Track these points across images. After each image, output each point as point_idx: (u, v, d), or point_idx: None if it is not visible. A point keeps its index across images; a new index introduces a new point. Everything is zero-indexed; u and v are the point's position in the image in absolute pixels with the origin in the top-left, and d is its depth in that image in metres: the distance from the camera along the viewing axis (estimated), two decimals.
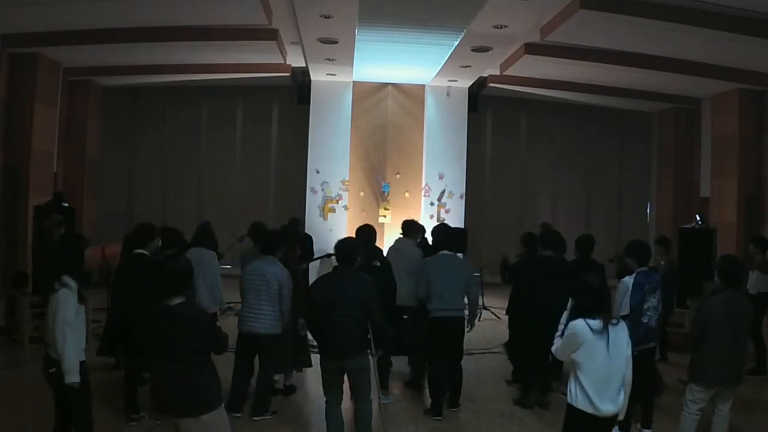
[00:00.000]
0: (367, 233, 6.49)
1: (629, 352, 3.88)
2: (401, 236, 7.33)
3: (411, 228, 7.36)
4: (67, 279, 4.23)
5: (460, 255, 6.63)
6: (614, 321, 3.87)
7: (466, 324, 6.19)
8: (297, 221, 9.43)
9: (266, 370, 5.84)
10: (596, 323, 3.78)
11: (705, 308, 4.77)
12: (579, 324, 3.81)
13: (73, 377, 4.13)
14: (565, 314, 4.07)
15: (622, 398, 3.83)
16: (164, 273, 3.72)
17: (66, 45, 10.45)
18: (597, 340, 3.75)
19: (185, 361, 3.57)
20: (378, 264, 6.21)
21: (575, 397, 3.82)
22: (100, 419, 5.63)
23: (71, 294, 4.19)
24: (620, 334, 3.85)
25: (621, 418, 3.94)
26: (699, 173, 13.57)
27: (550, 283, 6.15)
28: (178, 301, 3.65)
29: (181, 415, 3.60)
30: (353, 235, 6.42)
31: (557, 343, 4.00)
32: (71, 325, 4.14)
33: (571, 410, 3.86)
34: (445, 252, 6.22)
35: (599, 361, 3.75)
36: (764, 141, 11.47)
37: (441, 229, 6.58)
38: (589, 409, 3.77)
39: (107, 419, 5.63)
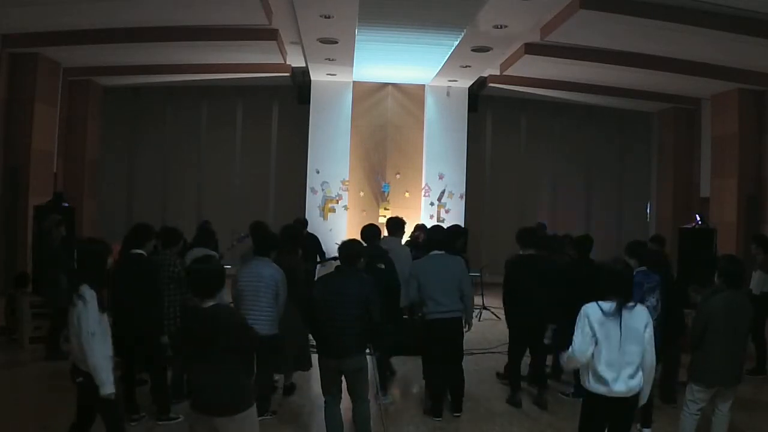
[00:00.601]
0: (371, 233, 6.49)
1: (648, 335, 3.84)
2: (386, 235, 7.27)
3: (397, 226, 7.25)
4: (84, 289, 4.11)
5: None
6: (630, 304, 3.85)
7: (463, 324, 6.08)
8: (301, 222, 9.46)
9: (265, 370, 5.83)
10: (608, 305, 3.80)
11: (705, 308, 4.76)
12: (590, 306, 3.84)
13: (108, 389, 4.07)
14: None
15: (638, 381, 3.81)
16: (196, 274, 3.70)
17: (66, 45, 10.44)
18: (609, 323, 3.77)
19: (222, 362, 3.60)
20: (382, 266, 6.19)
21: (588, 379, 3.86)
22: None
23: (91, 304, 4.08)
24: (637, 316, 3.84)
25: (643, 402, 3.93)
26: (699, 173, 13.57)
27: (533, 282, 6.17)
28: (211, 303, 3.65)
29: (219, 414, 3.63)
30: (353, 235, 6.43)
31: (572, 345, 3.87)
32: (96, 335, 4.05)
33: (587, 395, 3.90)
34: (436, 252, 6.07)
35: (612, 344, 3.77)
36: (764, 141, 11.47)
37: (434, 230, 6.53)
38: (600, 390, 3.78)
39: None
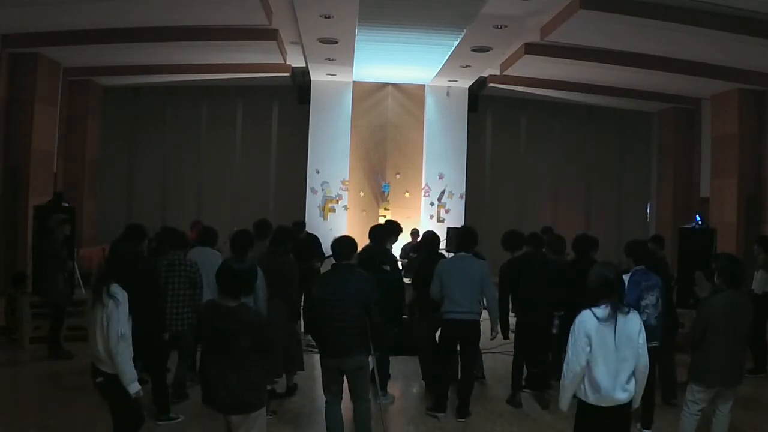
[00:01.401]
0: (378, 233, 6.51)
1: (642, 340, 3.81)
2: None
3: (391, 230, 7.17)
4: (116, 290, 4.10)
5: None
6: (625, 309, 3.82)
7: (490, 330, 6.09)
8: (298, 224, 9.50)
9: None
10: (602, 311, 3.77)
11: (705, 308, 4.76)
12: (584, 314, 3.80)
13: (134, 387, 4.08)
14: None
15: (633, 386, 3.79)
16: (227, 274, 3.73)
17: (66, 45, 10.45)
18: (604, 329, 3.73)
19: (242, 361, 3.65)
20: (388, 268, 6.25)
21: (584, 392, 3.81)
22: (100, 419, 5.63)
23: (123, 305, 4.07)
24: (631, 322, 3.80)
25: (635, 406, 3.90)
26: (699, 173, 13.57)
27: (532, 281, 6.21)
28: (235, 303, 3.70)
29: (235, 411, 3.68)
30: (353, 235, 6.40)
31: (567, 358, 3.85)
32: (125, 336, 4.05)
33: (581, 405, 3.85)
34: (463, 254, 6.15)
35: (608, 351, 3.72)
36: (764, 141, 11.47)
37: (460, 231, 6.62)
38: (600, 400, 3.74)
39: (107, 419, 5.62)
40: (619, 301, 3.84)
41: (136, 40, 10.37)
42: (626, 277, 5.43)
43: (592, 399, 3.78)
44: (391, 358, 6.70)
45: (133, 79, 13.47)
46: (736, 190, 11.49)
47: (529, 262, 6.46)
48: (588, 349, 3.74)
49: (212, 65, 12.49)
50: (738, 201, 11.45)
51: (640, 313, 5.25)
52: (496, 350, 8.27)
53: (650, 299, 5.45)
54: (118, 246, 4.44)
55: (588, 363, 3.76)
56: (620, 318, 3.77)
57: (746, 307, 4.80)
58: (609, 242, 13.96)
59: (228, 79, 13.42)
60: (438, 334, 6.33)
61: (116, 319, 4.00)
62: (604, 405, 3.77)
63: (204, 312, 3.86)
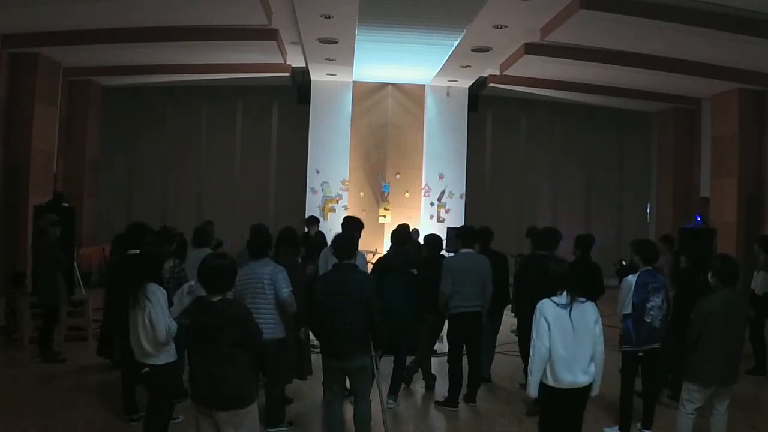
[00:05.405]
0: (401, 237, 6.56)
1: (599, 331, 4.17)
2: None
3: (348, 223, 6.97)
4: (152, 289, 4.49)
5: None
6: (581, 299, 4.17)
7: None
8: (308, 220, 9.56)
9: (275, 377, 5.56)
10: (560, 298, 4.14)
11: (703, 308, 4.75)
12: (544, 301, 4.16)
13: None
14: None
15: (593, 370, 4.12)
16: (209, 270, 3.80)
17: (66, 45, 10.46)
18: (563, 314, 4.08)
19: (226, 356, 3.67)
20: (415, 272, 6.33)
21: (547, 376, 4.08)
22: (100, 419, 5.64)
23: (162, 303, 4.46)
24: (587, 312, 4.15)
25: (594, 393, 4.21)
26: (699, 173, 13.57)
27: (534, 281, 6.25)
28: (218, 297, 3.76)
29: (220, 408, 3.68)
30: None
31: (532, 343, 4.16)
32: (170, 330, 4.48)
33: (545, 390, 4.11)
34: (468, 250, 6.31)
35: (566, 335, 4.05)
36: (764, 141, 11.47)
37: (462, 230, 6.73)
38: (562, 384, 4.04)
39: (107, 419, 5.64)
40: (575, 292, 4.18)
41: (136, 40, 10.37)
42: (633, 278, 5.45)
43: (552, 382, 4.08)
44: (385, 358, 6.70)
45: (133, 79, 13.47)
46: (736, 190, 11.49)
47: (538, 264, 6.45)
48: (548, 333, 4.06)
49: (212, 65, 12.49)
50: (738, 201, 11.46)
51: (644, 315, 5.32)
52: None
53: (656, 301, 5.43)
54: (150, 249, 4.83)
55: (549, 350, 4.06)
56: (576, 305, 4.12)
57: (743, 307, 4.82)
58: (609, 242, 13.99)
59: (228, 79, 13.43)
60: (446, 332, 6.48)
61: (160, 317, 4.42)
62: (564, 388, 4.06)
63: (191, 308, 3.94)
